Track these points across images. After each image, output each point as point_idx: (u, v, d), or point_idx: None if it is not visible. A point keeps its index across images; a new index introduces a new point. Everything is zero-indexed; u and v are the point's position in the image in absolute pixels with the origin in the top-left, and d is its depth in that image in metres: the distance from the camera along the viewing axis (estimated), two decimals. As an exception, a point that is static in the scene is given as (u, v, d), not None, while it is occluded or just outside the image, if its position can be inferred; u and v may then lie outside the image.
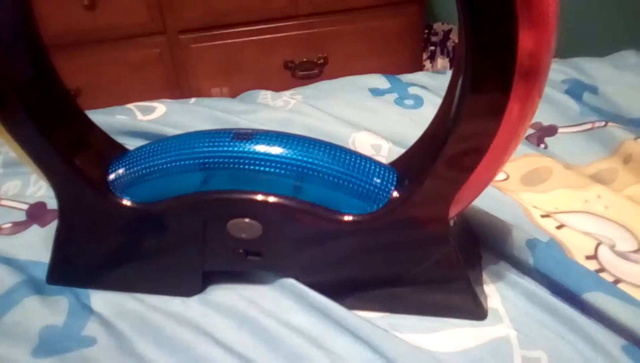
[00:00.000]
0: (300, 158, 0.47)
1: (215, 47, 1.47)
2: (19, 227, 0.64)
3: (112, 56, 1.46)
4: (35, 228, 0.64)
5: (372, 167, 0.48)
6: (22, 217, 0.66)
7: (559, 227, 0.59)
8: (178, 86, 1.51)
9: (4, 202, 0.69)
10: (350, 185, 0.47)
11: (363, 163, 0.48)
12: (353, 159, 0.48)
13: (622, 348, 0.47)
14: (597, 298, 0.49)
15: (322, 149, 0.48)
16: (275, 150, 0.47)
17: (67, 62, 1.37)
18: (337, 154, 0.48)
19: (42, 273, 0.57)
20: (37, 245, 0.61)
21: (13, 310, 0.53)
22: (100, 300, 0.55)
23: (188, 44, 1.46)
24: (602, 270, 0.54)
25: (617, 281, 0.53)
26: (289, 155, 0.47)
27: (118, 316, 0.53)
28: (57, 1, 1.32)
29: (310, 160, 0.47)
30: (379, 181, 0.48)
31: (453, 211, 0.46)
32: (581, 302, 0.50)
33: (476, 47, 0.37)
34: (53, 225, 0.63)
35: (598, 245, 0.56)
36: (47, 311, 0.53)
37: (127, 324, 0.52)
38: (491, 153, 0.42)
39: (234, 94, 0.96)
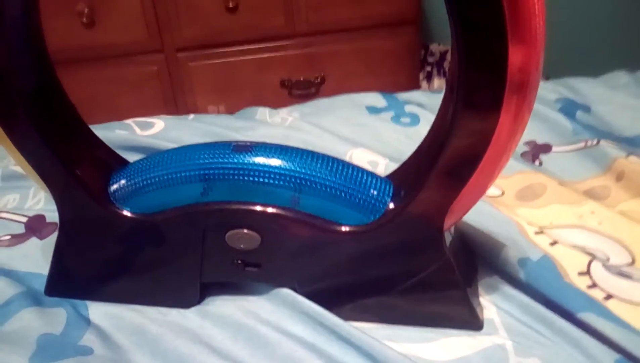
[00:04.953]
0: (298, 169, 0.48)
1: (212, 66, 1.48)
2: (17, 239, 0.64)
3: (110, 73, 1.47)
4: (34, 241, 0.64)
5: (369, 179, 0.49)
6: (20, 229, 0.66)
7: (553, 244, 0.59)
8: (175, 103, 1.52)
9: (2, 215, 0.69)
10: (347, 196, 0.48)
11: (360, 175, 0.49)
12: (350, 171, 0.49)
13: (615, 361, 0.47)
14: (588, 319, 0.50)
15: (320, 161, 0.49)
16: (274, 162, 0.48)
17: (64, 78, 1.37)
18: (335, 166, 0.49)
19: (40, 285, 0.57)
20: (36, 257, 0.61)
21: (11, 321, 0.53)
22: (98, 311, 0.55)
23: (186, 62, 1.47)
24: (594, 285, 0.55)
25: (609, 296, 0.53)
26: (287, 167, 0.48)
27: (115, 328, 0.53)
28: (55, 18, 1.34)
29: (308, 172, 0.48)
30: (375, 192, 0.49)
31: (448, 222, 0.47)
32: (574, 320, 0.51)
33: (468, 63, 0.38)
34: (52, 238, 0.63)
35: (591, 261, 0.57)
36: (45, 321, 0.53)
37: (124, 336, 0.52)
38: (484, 164, 0.43)
39: (230, 113, 0.97)
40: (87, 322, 0.54)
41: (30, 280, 0.58)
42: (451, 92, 0.42)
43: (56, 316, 0.54)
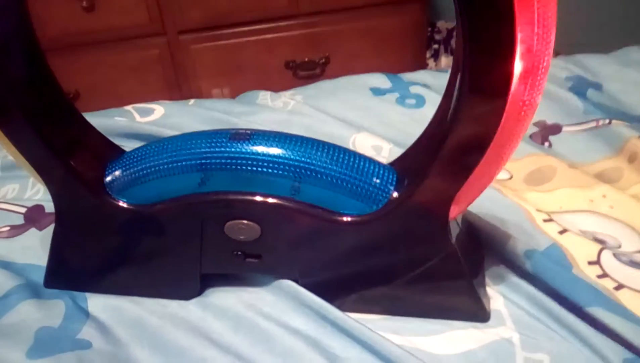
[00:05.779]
0: (298, 158, 0.47)
1: (215, 48, 1.47)
2: (16, 230, 0.64)
3: (111, 58, 1.45)
4: (33, 232, 0.64)
5: (371, 167, 0.48)
6: (19, 220, 0.65)
7: (562, 232, 0.58)
8: (178, 87, 1.51)
9: (1, 205, 0.68)
10: (349, 185, 0.47)
11: (362, 163, 0.48)
12: (352, 159, 0.48)
13: (624, 361, 0.46)
14: (597, 313, 0.48)
15: (321, 149, 0.47)
16: (273, 150, 0.47)
17: (65, 64, 1.36)
18: (336, 154, 0.47)
19: (39, 277, 0.56)
20: (35, 248, 0.61)
21: (9, 313, 0.52)
22: (98, 303, 0.54)
23: (188, 45, 1.45)
24: (604, 275, 0.53)
25: (620, 286, 0.52)
26: (287, 155, 0.47)
27: (115, 321, 0.52)
28: (55, 3, 1.32)
29: (308, 160, 0.47)
30: (378, 181, 0.47)
31: (454, 211, 0.46)
32: (582, 314, 0.49)
33: (474, 46, 0.37)
34: (51, 228, 0.62)
35: (601, 250, 0.55)
36: (43, 314, 0.53)
37: (123, 328, 0.51)
38: (491, 151, 0.41)
39: (234, 95, 0.95)
40: (86, 314, 0.53)
41: (29, 271, 0.58)
42: (456, 76, 0.40)
43: (55, 309, 0.53)
